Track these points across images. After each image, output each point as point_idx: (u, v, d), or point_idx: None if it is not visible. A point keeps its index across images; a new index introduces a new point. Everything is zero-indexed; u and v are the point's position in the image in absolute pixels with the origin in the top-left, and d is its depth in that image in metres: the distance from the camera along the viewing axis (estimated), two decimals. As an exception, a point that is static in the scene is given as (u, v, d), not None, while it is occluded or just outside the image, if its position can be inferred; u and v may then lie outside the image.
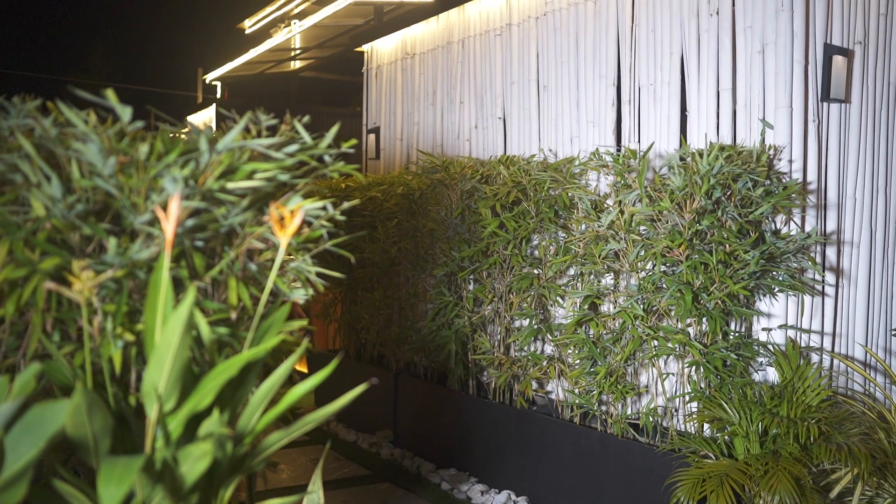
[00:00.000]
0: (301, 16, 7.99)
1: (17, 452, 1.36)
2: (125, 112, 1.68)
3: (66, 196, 1.67)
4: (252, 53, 8.19)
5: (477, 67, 4.98)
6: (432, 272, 4.47)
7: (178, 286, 1.87)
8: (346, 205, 1.99)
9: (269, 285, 1.76)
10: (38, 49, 23.10)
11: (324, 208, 1.95)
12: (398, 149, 5.75)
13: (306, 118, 2.13)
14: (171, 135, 1.87)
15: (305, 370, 6.83)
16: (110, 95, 1.68)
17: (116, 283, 1.75)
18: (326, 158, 2.07)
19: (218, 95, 9.68)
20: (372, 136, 6.04)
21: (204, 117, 9.87)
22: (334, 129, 2.01)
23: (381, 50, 6.04)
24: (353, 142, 2.11)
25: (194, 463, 1.49)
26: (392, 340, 5.01)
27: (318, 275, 2.09)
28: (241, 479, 2.14)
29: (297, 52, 8.34)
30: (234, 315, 1.91)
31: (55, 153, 1.76)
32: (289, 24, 8.39)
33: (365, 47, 6.26)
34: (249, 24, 9.04)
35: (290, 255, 2.11)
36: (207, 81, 9.21)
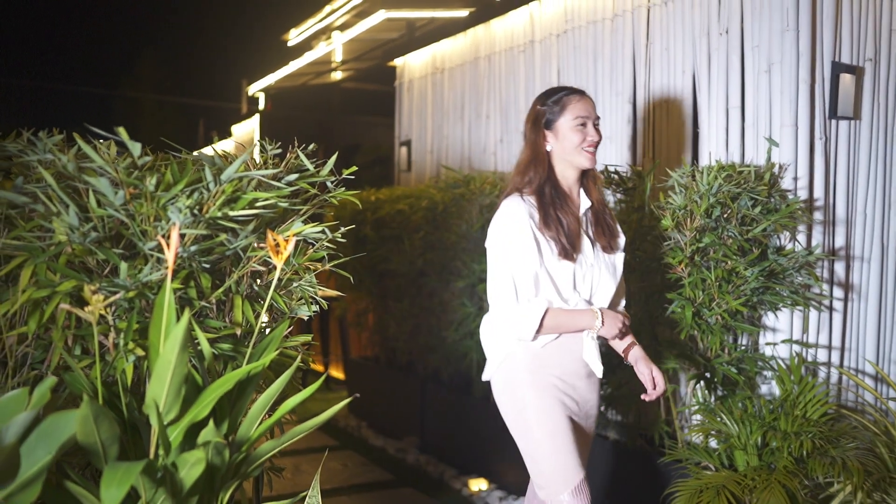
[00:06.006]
0: (343, 28, 8.21)
1: (33, 457, 1.51)
2: (135, 147, 1.85)
3: (83, 224, 1.85)
4: (293, 66, 8.44)
5: (502, 83, 5.10)
6: (455, 283, 4.60)
7: (188, 306, 2.03)
8: (342, 230, 2.14)
9: (266, 304, 1.91)
10: (92, 58, 23.92)
11: (322, 232, 2.11)
12: (428, 161, 5.90)
13: (311, 146, 2.28)
14: (181, 164, 2.03)
15: (342, 377, 7.02)
16: (122, 133, 1.85)
17: (129, 303, 1.92)
18: (329, 185, 2.23)
19: (261, 107, 9.94)
20: (404, 149, 6.20)
21: (248, 128, 10.15)
22: (332, 160, 2.17)
23: (413, 65, 6.19)
24: (354, 168, 2.26)
25: (190, 469, 1.64)
26: (419, 349, 5.16)
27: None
28: (247, 483, 2.30)
29: (337, 64, 8.54)
30: (238, 332, 2.07)
31: (76, 184, 1.93)
32: (329, 37, 8.63)
33: (397, 61, 6.43)
34: (294, 36, 9.29)
35: (296, 273, 2.26)
36: (251, 94, 9.49)
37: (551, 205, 2.37)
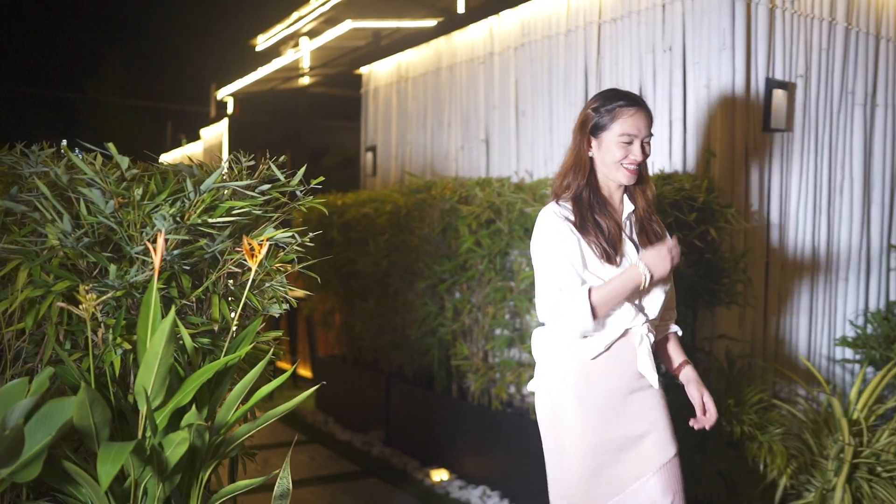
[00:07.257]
0: (311, 34, 8.39)
1: (33, 439, 1.69)
2: (123, 161, 2.05)
3: (75, 230, 2.04)
4: (261, 72, 8.60)
5: (463, 93, 5.33)
6: (418, 284, 4.81)
7: (170, 304, 2.23)
8: (310, 234, 2.34)
9: (241, 302, 2.12)
10: (59, 62, 23.76)
11: (292, 236, 2.31)
12: (393, 167, 6.11)
13: (283, 157, 2.48)
14: (164, 174, 2.22)
15: (310, 375, 7.21)
16: (111, 148, 2.05)
17: (117, 301, 2.11)
18: (298, 193, 2.44)
19: (230, 111, 10.08)
20: (369, 155, 6.40)
21: (216, 132, 10.28)
22: (301, 172, 2.37)
23: (378, 73, 6.40)
24: (321, 178, 2.46)
25: (175, 448, 1.84)
26: (384, 347, 5.37)
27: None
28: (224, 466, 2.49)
29: (305, 70, 8.72)
30: (216, 327, 2.27)
31: (67, 193, 2.12)
32: (297, 44, 8.81)
33: (363, 69, 6.63)
34: (261, 41, 9.44)
35: (268, 274, 2.46)
36: (219, 98, 9.62)
37: (589, 209, 2.28)
